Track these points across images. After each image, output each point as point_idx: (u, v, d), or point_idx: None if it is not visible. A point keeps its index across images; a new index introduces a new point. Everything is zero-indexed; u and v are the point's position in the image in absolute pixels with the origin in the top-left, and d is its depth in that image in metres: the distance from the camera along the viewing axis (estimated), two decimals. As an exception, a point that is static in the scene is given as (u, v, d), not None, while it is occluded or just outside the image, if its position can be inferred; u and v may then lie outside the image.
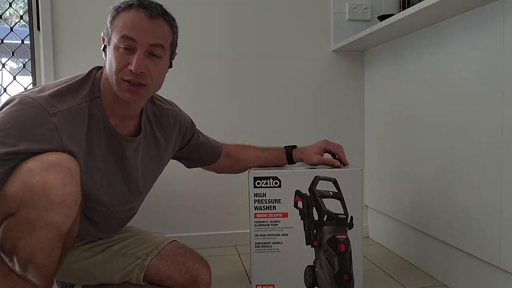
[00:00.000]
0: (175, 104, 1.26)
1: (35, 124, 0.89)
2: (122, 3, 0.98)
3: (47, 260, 0.90)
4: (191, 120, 1.31)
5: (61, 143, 0.91)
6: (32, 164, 0.86)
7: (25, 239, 0.87)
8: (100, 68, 1.06)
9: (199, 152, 1.34)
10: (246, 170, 1.34)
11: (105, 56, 1.01)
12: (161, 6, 0.99)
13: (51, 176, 0.84)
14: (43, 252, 0.88)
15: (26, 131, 0.88)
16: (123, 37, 0.94)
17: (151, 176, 1.18)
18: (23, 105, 0.90)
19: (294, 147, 1.38)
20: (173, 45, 1.04)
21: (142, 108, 1.11)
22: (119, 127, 1.04)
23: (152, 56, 0.97)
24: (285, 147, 1.38)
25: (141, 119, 1.11)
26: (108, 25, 0.99)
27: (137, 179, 1.12)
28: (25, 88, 1.85)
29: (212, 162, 1.38)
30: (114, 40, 0.96)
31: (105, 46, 1.01)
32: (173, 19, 1.02)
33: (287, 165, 1.38)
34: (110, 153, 1.04)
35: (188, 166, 1.40)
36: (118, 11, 0.97)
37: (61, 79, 1.04)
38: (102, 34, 1.02)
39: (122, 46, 0.94)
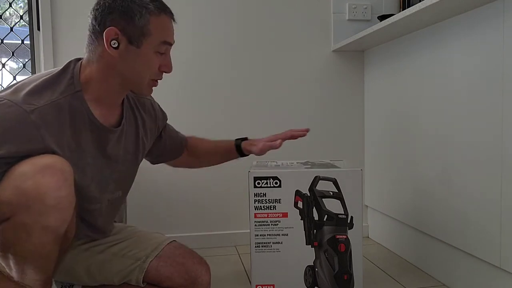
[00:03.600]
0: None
1: (12, 125, 0.86)
2: (149, 4, 0.96)
3: (44, 264, 0.89)
4: (162, 110, 1.28)
5: (42, 141, 0.89)
6: (25, 167, 0.85)
7: (21, 244, 0.86)
8: (78, 60, 1.02)
9: (168, 144, 1.30)
10: (201, 165, 1.38)
11: (117, 52, 0.95)
12: None
13: (45, 179, 0.83)
14: (40, 257, 0.87)
15: (4, 133, 0.86)
16: (166, 44, 1.00)
17: (133, 163, 1.16)
18: None
19: (244, 139, 1.33)
20: None
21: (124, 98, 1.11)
22: (103, 118, 1.02)
23: None
24: (235, 139, 1.33)
25: (123, 107, 1.10)
26: (138, 25, 0.94)
27: (122, 167, 1.11)
28: None
29: (179, 155, 1.34)
30: (152, 44, 0.97)
31: (119, 44, 0.95)
32: None
33: (240, 158, 1.33)
34: (96, 145, 1.02)
35: (153, 162, 1.34)
36: (150, 13, 0.95)
37: (37, 74, 1.01)
38: (113, 28, 0.93)
39: (163, 52, 1.00)
